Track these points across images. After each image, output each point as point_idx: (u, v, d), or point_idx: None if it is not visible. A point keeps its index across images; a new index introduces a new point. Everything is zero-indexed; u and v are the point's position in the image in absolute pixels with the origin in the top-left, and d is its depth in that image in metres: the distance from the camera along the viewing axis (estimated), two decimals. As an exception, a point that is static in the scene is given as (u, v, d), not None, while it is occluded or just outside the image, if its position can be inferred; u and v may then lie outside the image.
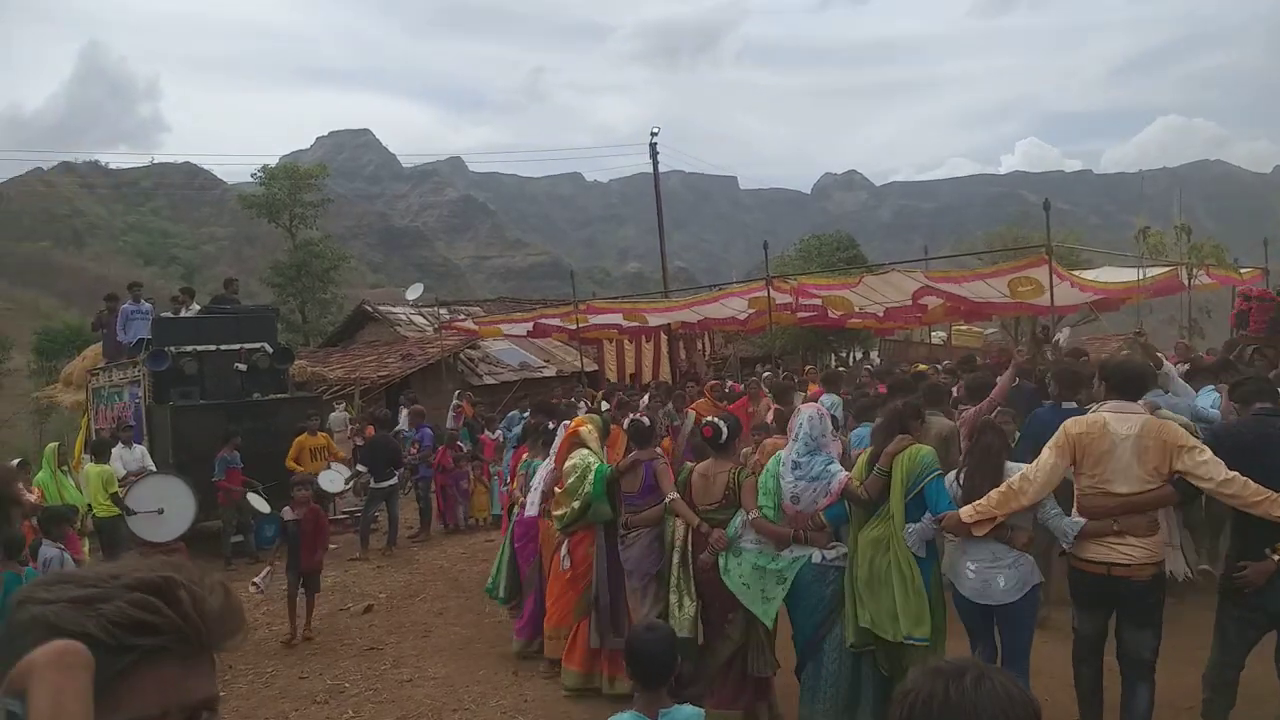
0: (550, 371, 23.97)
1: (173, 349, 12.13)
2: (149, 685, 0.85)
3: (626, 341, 21.73)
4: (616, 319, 19.04)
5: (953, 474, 4.81)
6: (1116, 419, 4.36)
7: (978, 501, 4.47)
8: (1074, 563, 4.47)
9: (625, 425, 6.48)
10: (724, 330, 22.82)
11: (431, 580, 9.77)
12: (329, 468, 11.67)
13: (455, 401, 15.62)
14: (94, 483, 9.85)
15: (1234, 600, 4.35)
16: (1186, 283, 13.69)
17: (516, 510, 7.41)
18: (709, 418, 5.85)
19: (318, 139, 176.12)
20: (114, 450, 10.65)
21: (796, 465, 5.01)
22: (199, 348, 12.33)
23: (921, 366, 14.71)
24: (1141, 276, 12.97)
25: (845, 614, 4.88)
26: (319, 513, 8.30)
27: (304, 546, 7.87)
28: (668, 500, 5.61)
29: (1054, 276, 11.51)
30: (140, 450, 11.33)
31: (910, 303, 15.37)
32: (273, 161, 41.03)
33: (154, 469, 11.05)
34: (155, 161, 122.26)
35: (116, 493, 9.87)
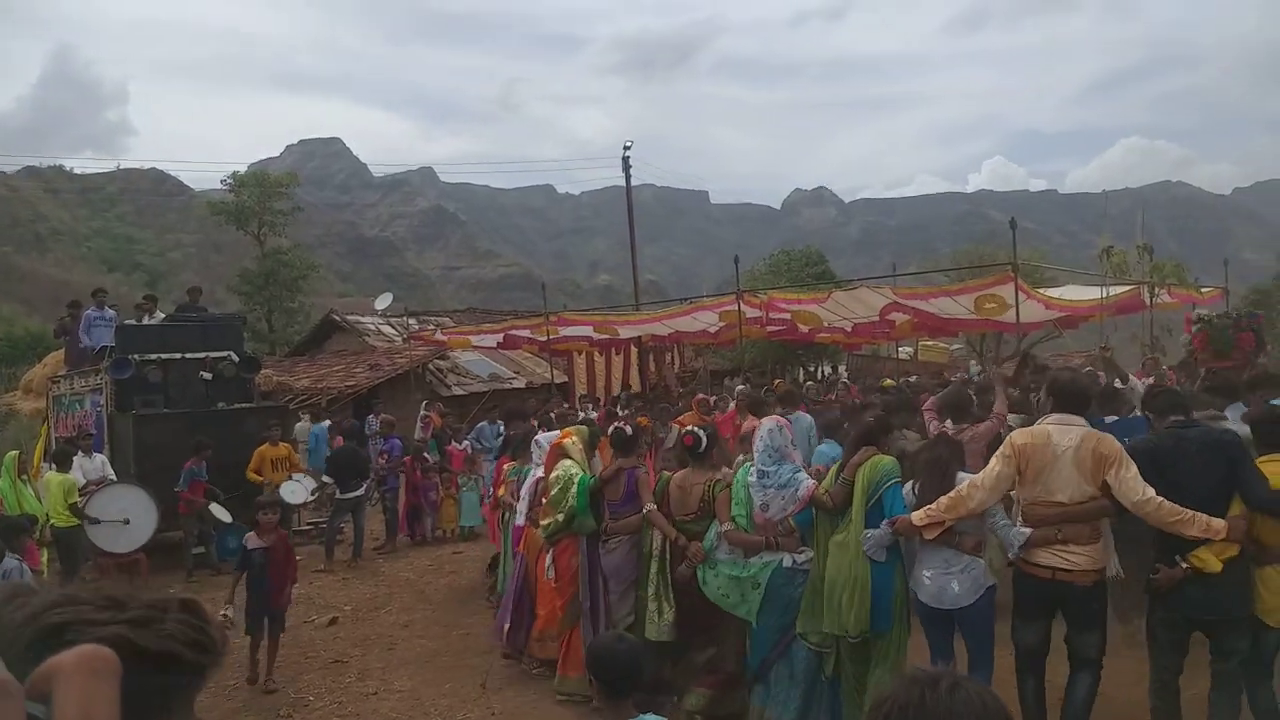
0: (520, 383, 23.92)
1: (136, 356, 11.97)
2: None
3: (597, 354, 21.71)
4: (587, 331, 19.02)
5: (909, 484, 4.95)
6: (1059, 431, 4.57)
7: (929, 507, 4.69)
8: (1022, 567, 4.64)
9: (609, 434, 6.53)
10: (694, 343, 22.89)
11: (398, 592, 9.69)
12: (291, 478, 11.54)
13: (423, 412, 15.53)
14: (54, 492, 9.67)
15: (1158, 603, 4.57)
16: (1148, 301, 13.92)
17: (512, 516, 7.56)
18: (690, 426, 6.02)
19: (288, 147, 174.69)
20: (74, 459, 10.47)
21: (763, 474, 5.20)
22: (163, 355, 12.19)
23: (888, 381, 14.83)
24: (1105, 295, 13.18)
25: (802, 611, 5.08)
26: (288, 541, 7.36)
27: (271, 580, 6.84)
28: (645, 511, 5.77)
29: (1019, 294, 11.68)
30: (100, 459, 11.15)
31: (878, 318, 15.51)
32: (242, 169, 40.73)
33: (114, 478, 10.88)
34: (121, 167, 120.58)
35: (76, 503, 9.70)
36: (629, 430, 6.32)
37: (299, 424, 17.17)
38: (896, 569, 4.90)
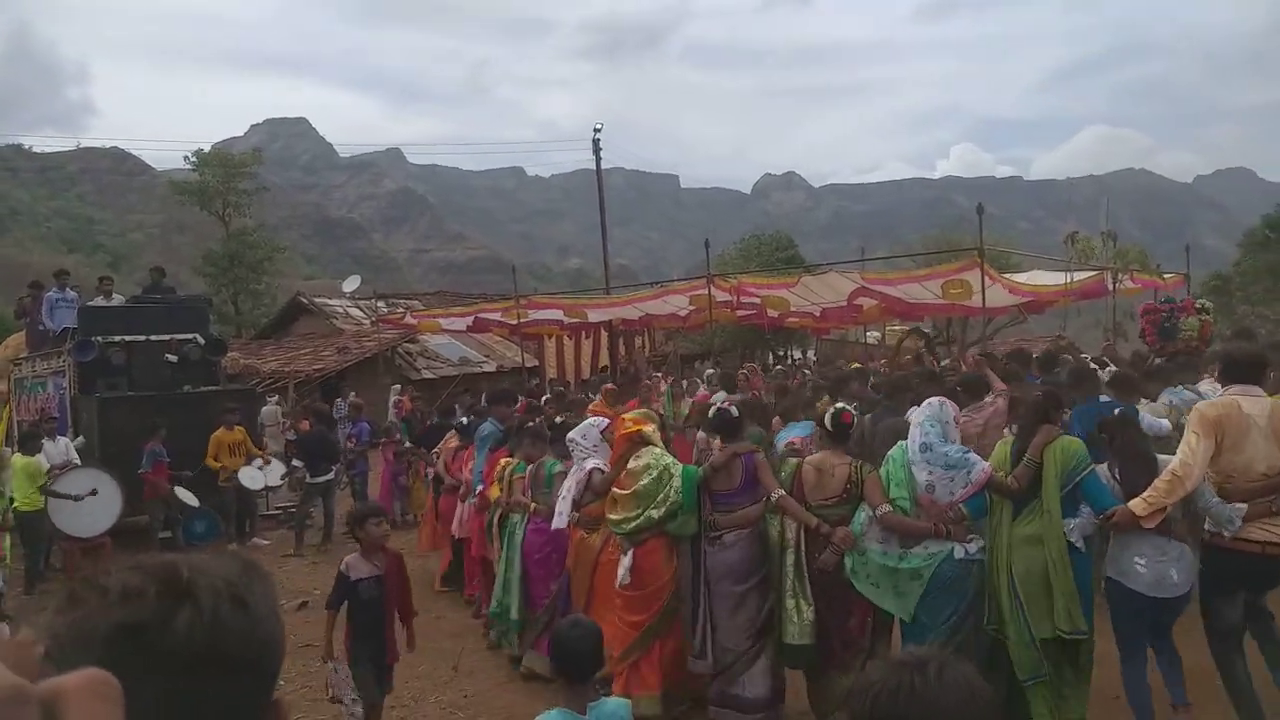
0: (490, 367, 23.87)
1: (100, 338, 11.80)
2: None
3: (567, 338, 21.70)
4: (558, 315, 19.00)
5: (1102, 467, 4.73)
6: (1247, 401, 4.49)
7: (1147, 494, 4.42)
8: (1231, 544, 4.43)
9: (710, 416, 5.82)
10: (665, 327, 22.93)
11: (368, 576, 9.66)
12: (249, 463, 11.45)
13: (395, 396, 15.46)
14: (19, 475, 9.54)
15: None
16: (1111, 287, 14.14)
17: (525, 519, 6.52)
18: (843, 405, 5.38)
19: (252, 126, 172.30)
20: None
21: (928, 448, 4.73)
22: (127, 338, 12.03)
23: (855, 364, 14.96)
24: (1069, 280, 13.37)
25: (989, 606, 4.69)
26: (403, 563, 5.43)
27: (386, 619, 5.11)
28: (774, 498, 5.05)
29: (985, 279, 11.82)
30: (64, 443, 11.00)
31: (846, 303, 15.63)
32: (206, 148, 40.08)
33: (79, 462, 10.74)
34: (82, 146, 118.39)
35: (44, 484, 9.58)
36: (734, 412, 5.60)
37: (265, 408, 17.03)
38: (1090, 562, 4.64)
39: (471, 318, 20.15)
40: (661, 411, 10.54)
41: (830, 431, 5.10)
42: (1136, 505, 4.39)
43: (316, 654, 7.17)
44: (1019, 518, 4.60)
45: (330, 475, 11.42)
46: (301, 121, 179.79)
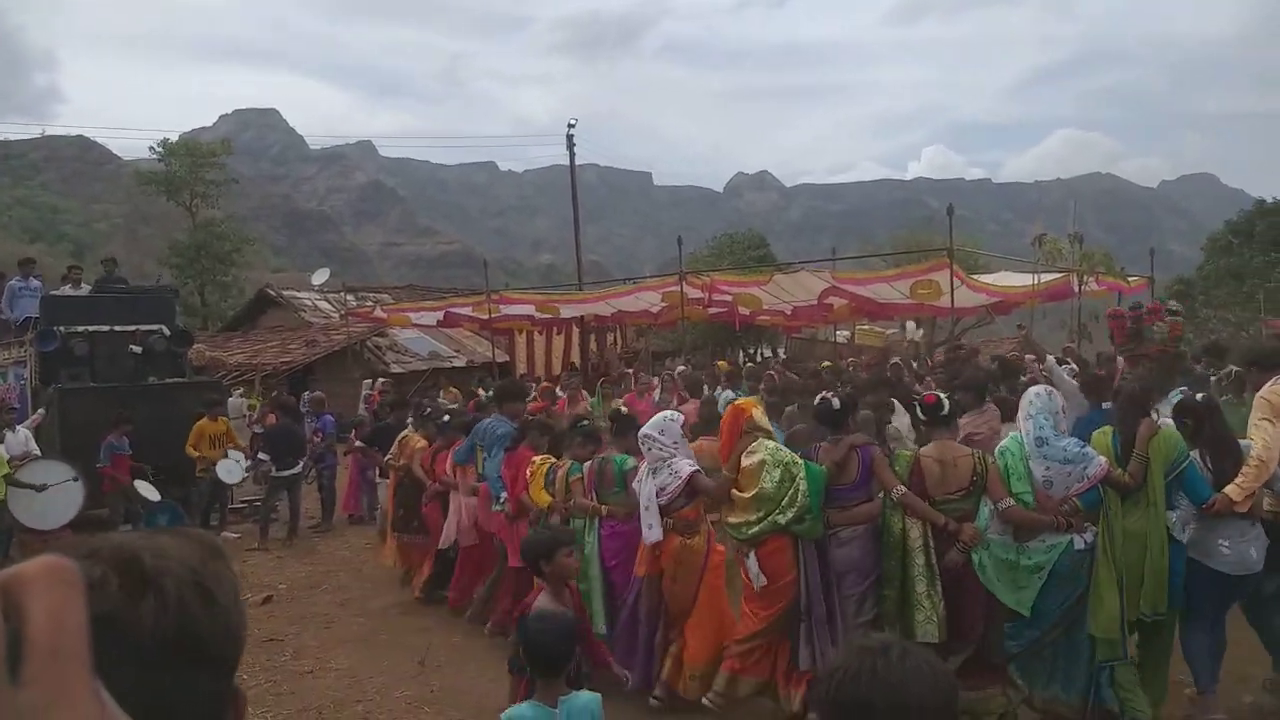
0: (460, 361, 23.74)
1: (62, 328, 11.62)
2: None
3: (538, 333, 21.65)
4: (529, 310, 18.96)
5: (1194, 453, 4.87)
6: None
7: (1239, 480, 4.66)
8: None
9: (814, 405, 5.46)
10: (636, 324, 22.94)
11: (334, 571, 9.58)
12: (226, 455, 11.33)
13: (366, 390, 15.34)
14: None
15: None
16: (1077, 289, 14.32)
17: (595, 525, 5.90)
18: (934, 391, 5.22)
19: (221, 116, 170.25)
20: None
21: (1043, 441, 4.76)
22: (91, 328, 11.85)
23: (826, 363, 15.05)
24: (1036, 282, 13.53)
25: (1092, 601, 4.74)
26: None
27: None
28: (895, 495, 4.86)
29: (954, 280, 11.94)
30: (24, 434, 10.79)
31: (816, 302, 15.72)
32: (173, 138, 39.54)
33: (39, 453, 10.56)
34: (46, 134, 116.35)
35: (8, 474, 9.40)
36: (836, 403, 5.27)
37: (231, 400, 16.86)
38: (1183, 549, 4.80)
39: (442, 312, 20.07)
40: (590, 410, 10.56)
41: (927, 421, 5.00)
42: (1232, 492, 4.61)
43: (281, 648, 7.16)
44: (1124, 509, 4.73)
45: (296, 469, 11.30)
46: (272, 112, 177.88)
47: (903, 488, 4.84)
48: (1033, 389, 5.07)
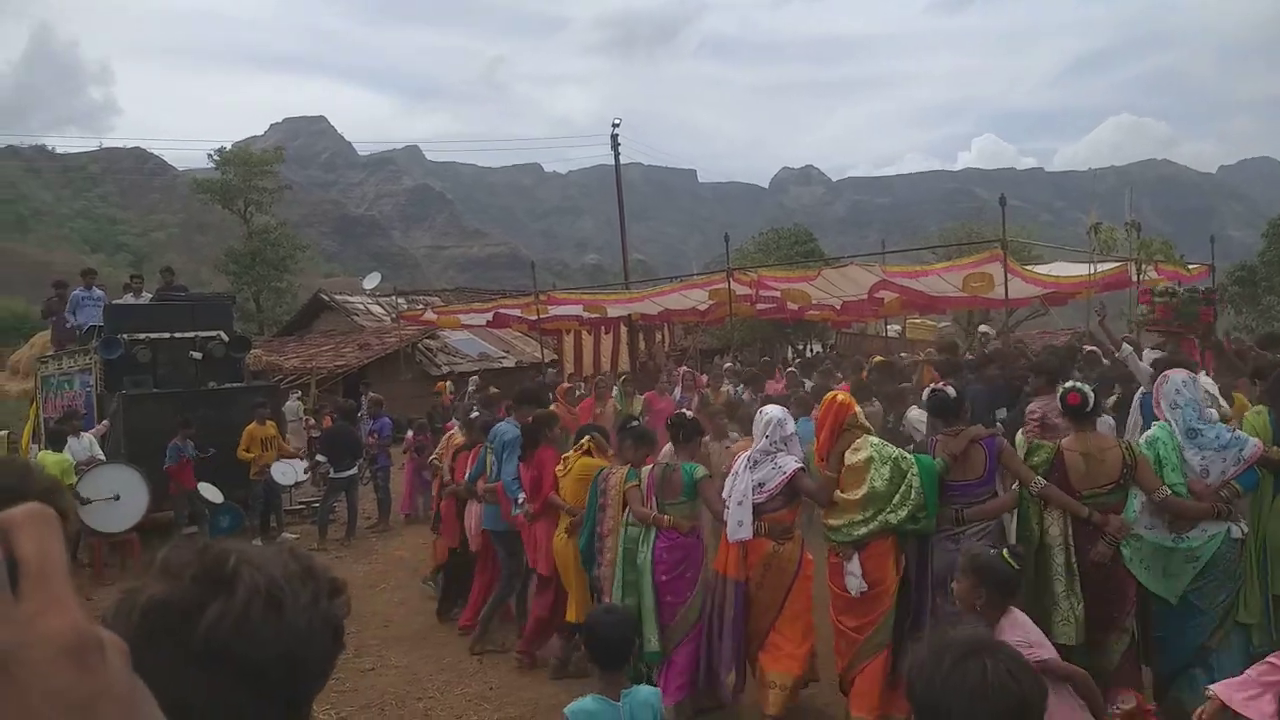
0: (510, 362, 23.93)
1: (125, 336, 11.92)
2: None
3: (586, 333, 21.72)
4: (577, 310, 19.04)
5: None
6: None
7: None
8: None
9: (925, 397, 5.30)
10: (683, 322, 22.90)
11: (391, 570, 9.72)
12: (278, 458, 11.55)
13: (292, 418, 15.24)
14: (52, 472, 9.62)
15: None
16: (1136, 278, 14.00)
17: (652, 535, 5.46)
18: (1074, 384, 4.98)
19: (272, 125, 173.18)
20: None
21: (1195, 432, 4.64)
22: (152, 335, 12.13)
23: (879, 358, 14.89)
24: (1092, 272, 13.25)
25: (1247, 589, 4.62)
26: None
27: None
28: (1035, 489, 4.64)
29: (1007, 272, 11.75)
30: (88, 439, 11.09)
31: (866, 296, 15.57)
32: (227, 146, 40.37)
33: (103, 458, 10.85)
34: (104, 146, 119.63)
35: (71, 483, 9.69)
36: (950, 393, 5.10)
37: (287, 403, 17.14)
38: None
39: (491, 313, 20.23)
40: (618, 408, 10.46)
41: (1070, 414, 4.78)
42: None
43: (348, 667, 7.25)
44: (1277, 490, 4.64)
45: (353, 470, 11.49)
46: (320, 120, 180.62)
47: (1042, 480, 4.62)
48: (1176, 377, 4.83)
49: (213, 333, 12.58)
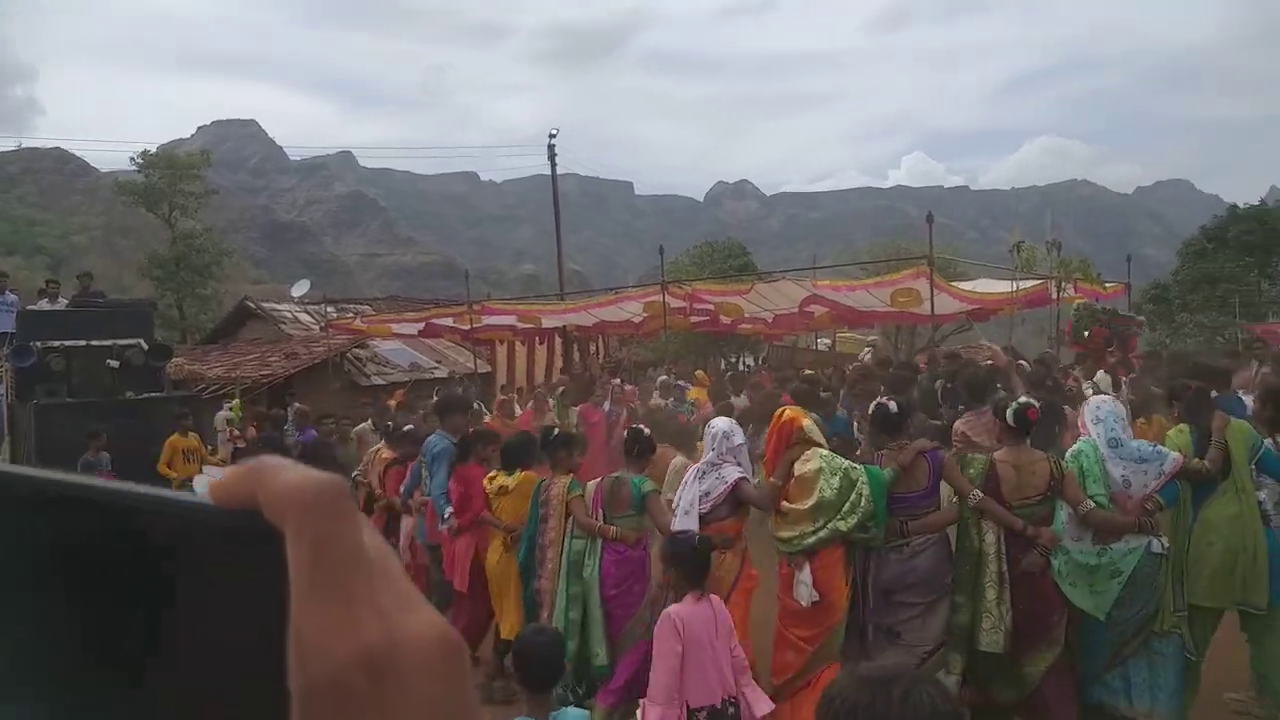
0: (442, 372, 23.64)
1: (39, 344, 11.52)
2: None
3: (520, 344, 21.62)
4: (511, 320, 18.94)
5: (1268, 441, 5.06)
6: None
7: None
8: None
9: (870, 412, 5.27)
10: (618, 334, 22.95)
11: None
12: (202, 471, 11.21)
13: (223, 428, 14.86)
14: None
15: None
16: (1055, 296, 14.46)
17: (598, 547, 5.41)
18: (1027, 399, 5.11)
19: (200, 128, 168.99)
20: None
21: (1118, 443, 4.77)
22: (68, 343, 11.76)
23: (809, 371, 15.10)
24: (1015, 289, 13.65)
25: (1166, 598, 4.74)
26: None
27: None
28: (974, 500, 4.75)
29: (933, 288, 12.04)
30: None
31: (798, 310, 15.79)
32: (152, 149, 39.29)
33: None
34: (23, 146, 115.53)
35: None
36: (893, 407, 5.09)
37: (219, 413, 16.73)
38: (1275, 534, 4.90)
39: (423, 323, 20.00)
40: (555, 421, 10.46)
41: (1013, 427, 4.88)
42: None
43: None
44: (1210, 500, 4.85)
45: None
46: (251, 123, 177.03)
47: (979, 493, 4.74)
48: (1096, 396, 5.18)
49: (132, 340, 12.23)
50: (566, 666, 3.59)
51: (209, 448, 12.81)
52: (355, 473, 8.99)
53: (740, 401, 9.77)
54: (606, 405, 10.98)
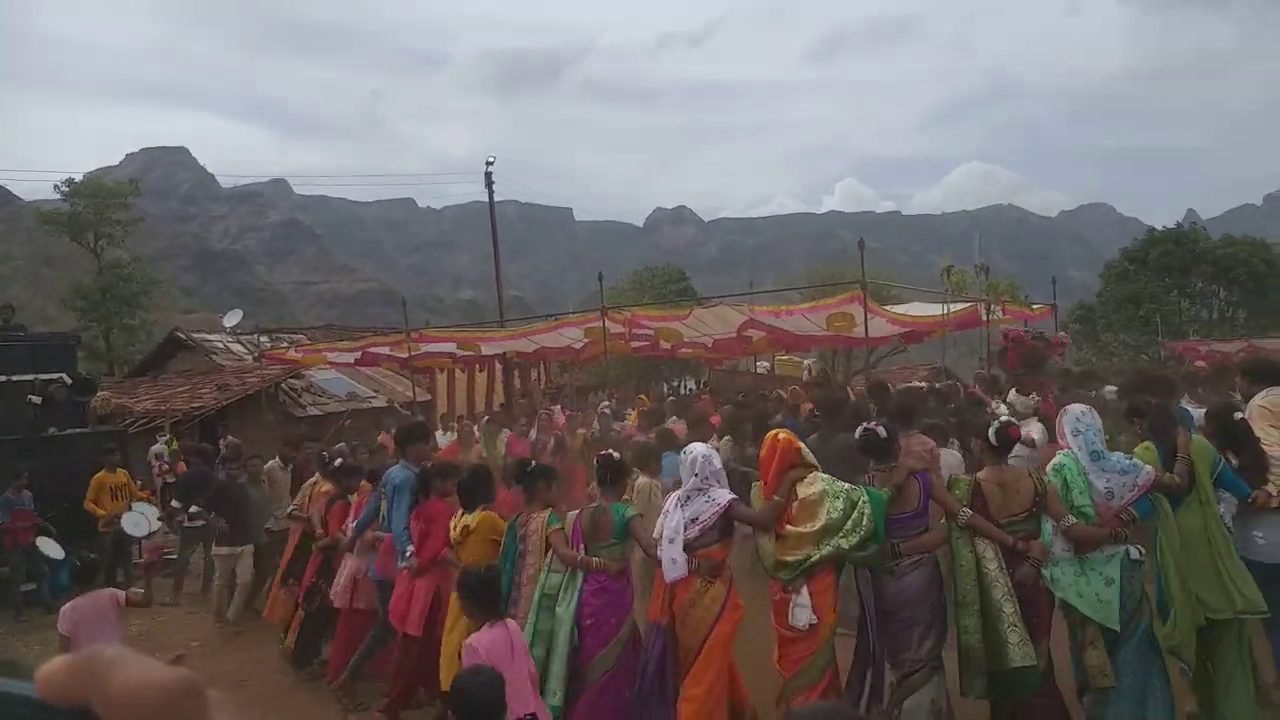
0: (380, 401, 23.33)
1: (-45, 380, 11.11)
2: None
3: (460, 371, 21.43)
4: (450, 348, 18.77)
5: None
6: None
7: (1275, 479, 5.24)
8: None
9: (859, 436, 5.24)
10: (560, 359, 22.90)
11: (250, 627, 9.25)
12: (130, 508, 10.89)
13: (158, 454, 14.65)
14: None
15: None
16: (985, 318, 14.82)
17: (579, 580, 5.31)
18: (1007, 418, 5.39)
19: (128, 155, 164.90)
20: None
21: (1099, 455, 4.93)
22: (-13, 378, 11.35)
23: (739, 396, 15.23)
24: (946, 312, 13.96)
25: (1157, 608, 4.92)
26: None
27: None
28: (963, 519, 4.86)
29: (867, 312, 12.25)
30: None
31: (735, 335, 15.93)
32: (77, 177, 38.27)
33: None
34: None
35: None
36: (882, 432, 5.14)
37: (153, 447, 16.35)
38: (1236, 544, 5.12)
39: (360, 352, 19.72)
40: (483, 453, 10.41)
41: (996, 446, 5.02)
42: (1272, 489, 5.20)
43: None
44: (1178, 511, 5.03)
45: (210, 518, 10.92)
46: (181, 150, 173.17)
47: (969, 511, 4.87)
48: (1074, 408, 5.18)
49: (54, 375, 11.86)
50: (505, 708, 3.53)
51: (138, 483, 12.46)
52: (291, 508, 8.81)
53: (678, 423, 9.83)
54: (533, 434, 10.93)
